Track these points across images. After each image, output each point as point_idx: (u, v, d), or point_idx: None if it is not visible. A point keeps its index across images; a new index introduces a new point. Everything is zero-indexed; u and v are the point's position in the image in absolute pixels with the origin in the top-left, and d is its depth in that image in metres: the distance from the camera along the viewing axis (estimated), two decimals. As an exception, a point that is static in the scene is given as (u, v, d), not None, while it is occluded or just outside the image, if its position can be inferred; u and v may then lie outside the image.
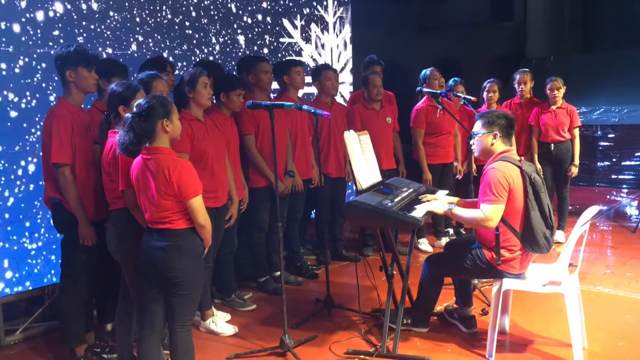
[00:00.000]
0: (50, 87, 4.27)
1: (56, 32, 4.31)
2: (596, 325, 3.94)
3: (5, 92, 4.05)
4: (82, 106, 3.59)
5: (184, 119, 3.73)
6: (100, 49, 4.60)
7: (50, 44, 4.26)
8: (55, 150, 3.35)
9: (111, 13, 4.72)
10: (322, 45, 6.97)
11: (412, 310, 4.02)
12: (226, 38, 5.78)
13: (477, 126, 3.63)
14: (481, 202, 3.49)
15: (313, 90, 5.96)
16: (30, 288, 4.22)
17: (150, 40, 5.03)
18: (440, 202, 3.79)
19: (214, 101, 4.16)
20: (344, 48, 7.30)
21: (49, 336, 4.11)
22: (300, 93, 5.39)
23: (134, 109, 2.89)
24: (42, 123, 3.67)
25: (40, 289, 4.26)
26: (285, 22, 6.46)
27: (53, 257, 4.29)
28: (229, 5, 5.79)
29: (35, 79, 4.21)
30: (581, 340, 3.58)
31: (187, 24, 5.38)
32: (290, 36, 6.53)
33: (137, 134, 2.82)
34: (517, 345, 3.79)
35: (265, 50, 6.21)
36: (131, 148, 2.84)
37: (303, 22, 6.65)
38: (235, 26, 5.88)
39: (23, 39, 4.12)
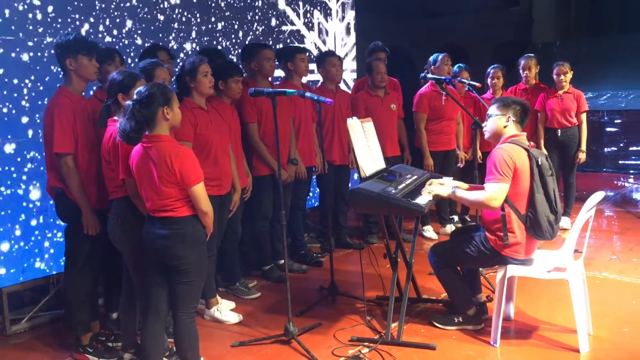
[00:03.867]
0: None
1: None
2: (602, 312, 3.92)
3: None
4: (84, 94, 3.59)
5: (187, 108, 3.72)
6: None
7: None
8: (57, 139, 3.35)
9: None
10: (326, 32, 6.91)
11: (452, 309, 3.93)
12: (226, 24, 5.74)
13: (492, 109, 3.66)
14: (486, 181, 3.49)
15: (317, 77, 5.92)
16: (36, 277, 4.23)
17: (150, 27, 5.01)
18: (444, 185, 3.77)
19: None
20: (347, 34, 7.24)
21: (54, 325, 4.13)
22: (304, 80, 5.35)
23: (135, 96, 2.88)
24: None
25: (46, 278, 4.27)
26: (288, 10, 6.41)
27: (58, 247, 4.30)
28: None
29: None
30: (586, 326, 3.57)
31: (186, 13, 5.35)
32: (292, 24, 6.48)
33: (138, 122, 2.81)
34: (522, 332, 3.78)
35: (270, 40, 6.16)
36: (132, 135, 2.83)
37: (306, 9, 6.59)
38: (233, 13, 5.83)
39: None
